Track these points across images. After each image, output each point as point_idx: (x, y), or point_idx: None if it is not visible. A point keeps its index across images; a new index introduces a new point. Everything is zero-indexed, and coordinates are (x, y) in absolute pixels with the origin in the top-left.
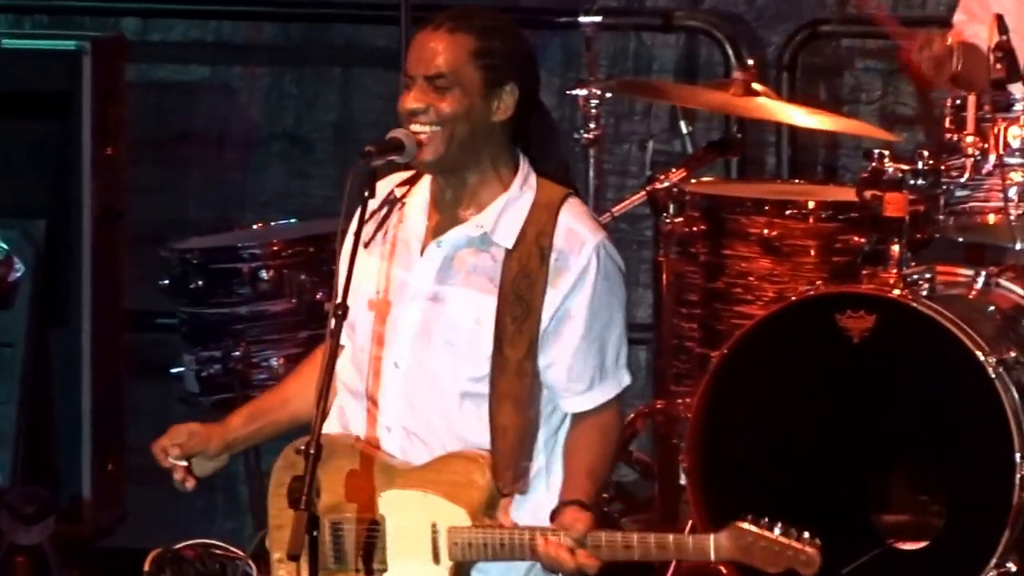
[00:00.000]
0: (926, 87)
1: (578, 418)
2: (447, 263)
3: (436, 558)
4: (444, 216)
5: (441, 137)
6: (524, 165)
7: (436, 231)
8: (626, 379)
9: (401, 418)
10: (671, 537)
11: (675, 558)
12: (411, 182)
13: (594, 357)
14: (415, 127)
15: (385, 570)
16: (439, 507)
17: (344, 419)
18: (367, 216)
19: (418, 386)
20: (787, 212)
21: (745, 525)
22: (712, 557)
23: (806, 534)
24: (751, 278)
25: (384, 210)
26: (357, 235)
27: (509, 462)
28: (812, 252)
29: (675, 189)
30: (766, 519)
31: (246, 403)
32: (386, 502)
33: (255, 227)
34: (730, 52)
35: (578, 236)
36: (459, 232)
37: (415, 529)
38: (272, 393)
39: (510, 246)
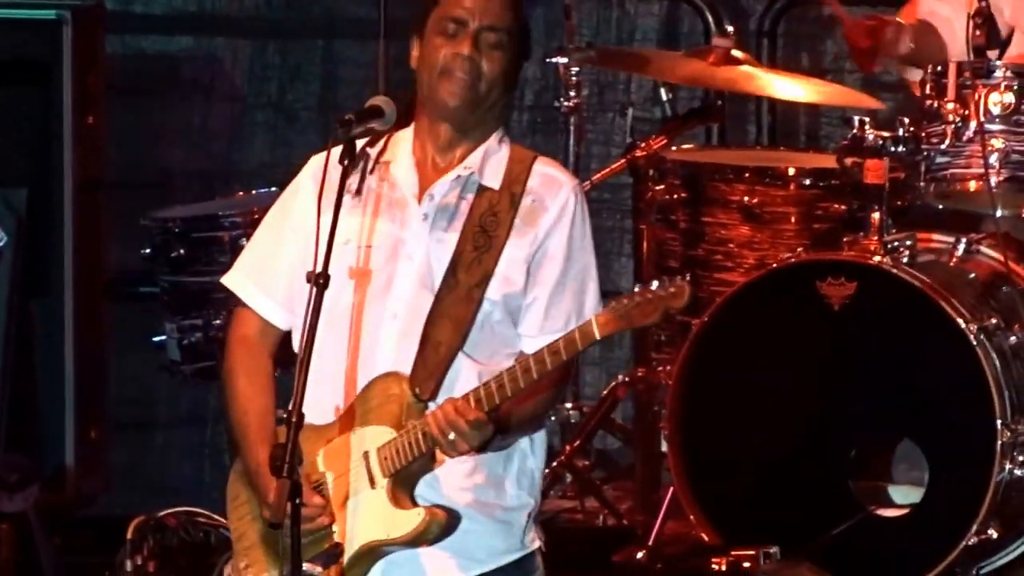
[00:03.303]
0: (867, 68)
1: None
2: (441, 212)
3: (372, 483)
4: (432, 169)
5: (475, 95)
6: (500, 127)
7: (426, 182)
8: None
9: (399, 365)
10: (559, 340)
11: (568, 356)
12: (378, 141)
13: (571, 300)
14: (460, 73)
15: (334, 521)
16: (366, 437)
17: (325, 387)
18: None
19: (415, 331)
20: (767, 179)
21: (618, 297)
22: (598, 336)
23: (676, 277)
24: (731, 245)
25: (361, 167)
26: (337, 205)
27: (433, 373)
28: (792, 219)
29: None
30: (638, 285)
31: (251, 442)
32: (323, 459)
33: (237, 196)
34: (711, 20)
35: (555, 179)
36: (449, 176)
37: (352, 469)
38: (261, 417)
39: (497, 187)
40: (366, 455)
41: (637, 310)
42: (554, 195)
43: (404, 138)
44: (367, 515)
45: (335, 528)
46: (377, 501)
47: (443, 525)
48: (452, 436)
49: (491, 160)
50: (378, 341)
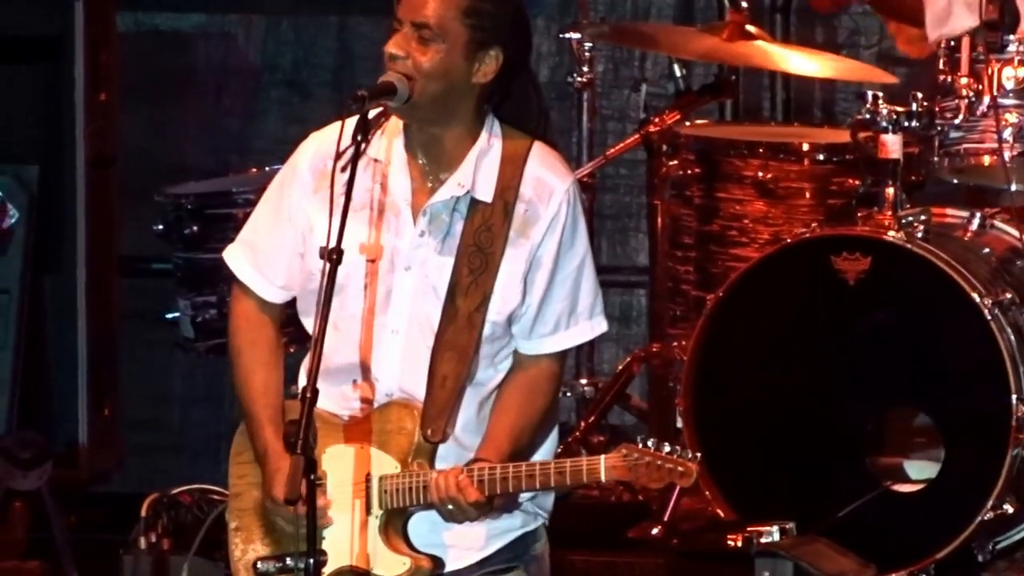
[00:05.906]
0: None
1: (519, 366)
2: (436, 228)
3: (369, 508)
4: (424, 175)
5: (413, 89)
6: (489, 116)
7: (420, 193)
8: (602, 326)
9: (401, 383)
10: (567, 463)
11: (570, 483)
12: (368, 134)
13: (561, 301)
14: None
15: (328, 525)
16: (374, 458)
17: (335, 389)
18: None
19: (417, 350)
20: (781, 155)
21: (632, 445)
22: (603, 478)
23: (688, 451)
24: (746, 221)
25: (351, 167)
26: (350, 183)
27: (442, 411)
28: (807, 194)
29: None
30: (653, 439)
31: (259, 423)
32: (329, 457)
33: (250, 172)
34: None
35: (547, 185)
36: (444, 194)
37: (353, 481)
38: (267, 394)
39: (490, 199)
40: (368, 478)
41: (646, 470)
42: (546, 202)
43: (396, 133)
44: (356, 538)
45: (325, 535)
46: (369, 528)
47: (427, 574)
48: (451, 507)
49: (483, 166)
50: (380, 356)
